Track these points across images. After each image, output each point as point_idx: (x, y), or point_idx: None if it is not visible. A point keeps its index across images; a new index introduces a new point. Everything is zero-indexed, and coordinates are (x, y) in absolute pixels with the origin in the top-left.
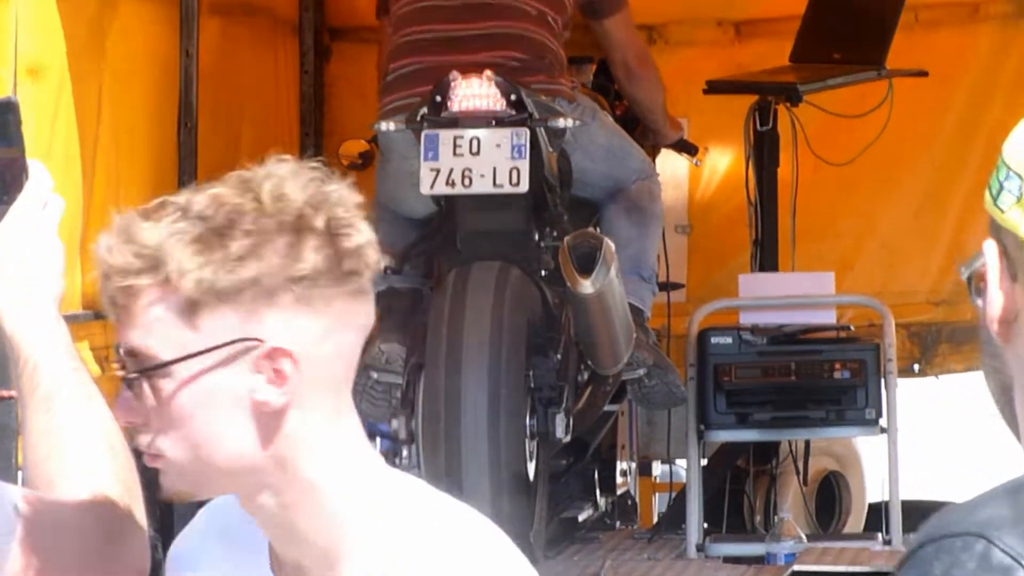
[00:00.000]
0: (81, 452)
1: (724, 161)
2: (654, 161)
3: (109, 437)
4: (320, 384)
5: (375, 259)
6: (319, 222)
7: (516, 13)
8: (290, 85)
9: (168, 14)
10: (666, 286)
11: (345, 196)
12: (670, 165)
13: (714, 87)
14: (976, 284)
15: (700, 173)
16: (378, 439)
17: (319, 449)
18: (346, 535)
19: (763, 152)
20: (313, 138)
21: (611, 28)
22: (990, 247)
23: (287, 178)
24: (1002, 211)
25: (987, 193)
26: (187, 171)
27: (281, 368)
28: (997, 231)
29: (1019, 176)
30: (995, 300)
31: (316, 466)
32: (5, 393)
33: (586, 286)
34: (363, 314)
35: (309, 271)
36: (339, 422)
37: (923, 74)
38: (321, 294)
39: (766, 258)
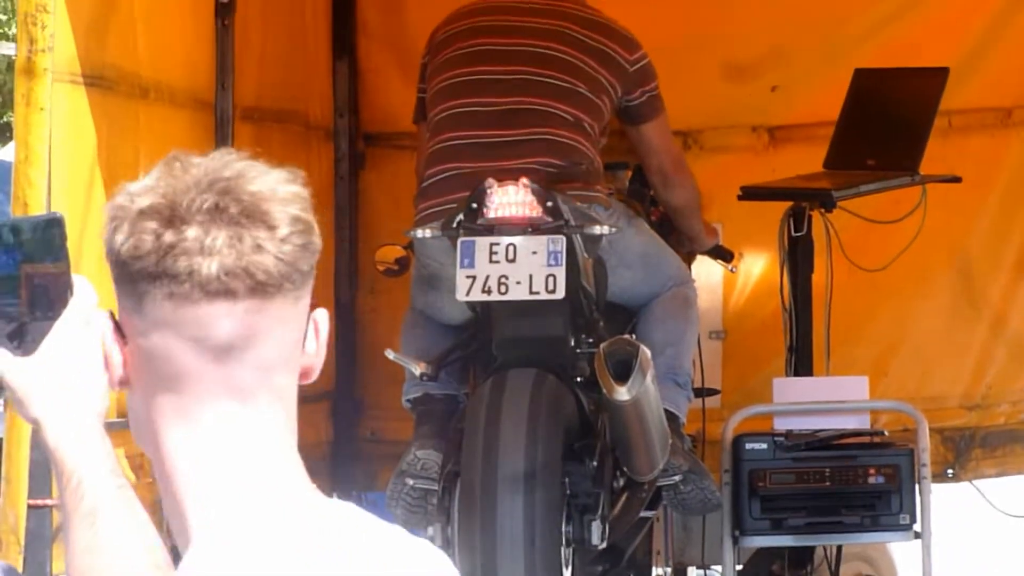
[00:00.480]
0: (124, 570)
1: (759, 267)
2: (689, 267)
3: (153, 554)
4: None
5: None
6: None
7: (552, 120)
8: (325, 191)
9: (203, 120)
10: (701, 392)
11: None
12: (705, 271)
13: (749, 193)
14: None
15: (735, 279)
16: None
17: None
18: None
19: (797, 258)
20: (348, 244)
21: (648, 134)
22: None
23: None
24: None
25: None
26: None
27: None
28: None
29: None
30: None
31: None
32: (40, 502)
33: (622, 393)
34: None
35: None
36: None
37: (957, 180)
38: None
39: (800, 363)
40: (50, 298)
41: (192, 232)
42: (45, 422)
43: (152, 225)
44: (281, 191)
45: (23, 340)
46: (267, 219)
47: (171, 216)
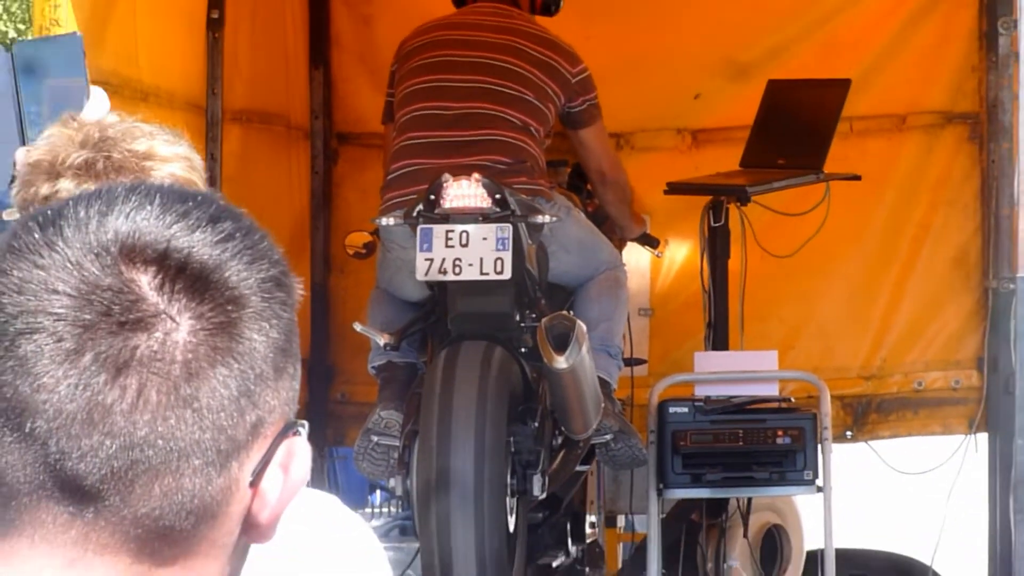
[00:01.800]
0: None
1: (682, 253)
2: (621, 252)
3: None
4: None
5: None
6: None
7: (502, 123)
8: (302, 183)
9: (195, 121)
10: (631, 362)
11: None
12: (635, 256)
13: (673, 188)
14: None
15: (661, 263)
16: (378, 492)
17: None
18: None
19: (716, 245)
20: (323, 230)
21: (587, 138)
22: None
23: None
24: None
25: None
26: None
27: None
28: None
29: None
30: None
31: None
32: None
33: (560, 362)
34: None
35: None
36: None
37: (856, 178)
38: None
39: (718, 338)
40: (71, 104)
41: (65, 184)
42: None
43: (34, 178)
44: (162, 150)
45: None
46: (140, 175)
47: (50, 169)
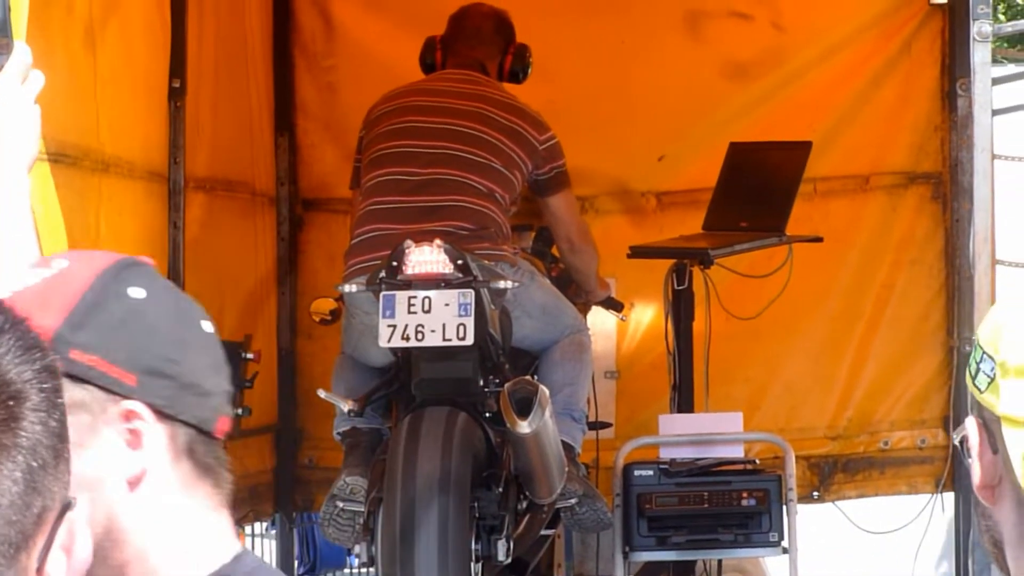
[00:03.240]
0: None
1: (647, 315)
2: (586, 316)
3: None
4: None
5: None
6: None
7: (467, 190)
8: (268, 250)
9: (157, 190)
10: (595, 425)
11: None
12: (600, 319)
13: (637, 252)
14: (964, 448)
15: (627, 326)
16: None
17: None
18: None
19: (680, 308)
20: (288, 296)
21: (555, 205)
22: (971, 423)
23: None
24: (980, 391)
25: (967, 373)
26: None
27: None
28: (977, 408)
29: (991, 358)
30: (977, 470)
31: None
32: None
33: (524, 427)
34: None
35: None
36: None
37: (818, 240)
38: None
39: (683, 400)
40: None
41: None
42: None
43: None
44: None
45: None
46: None
47: None
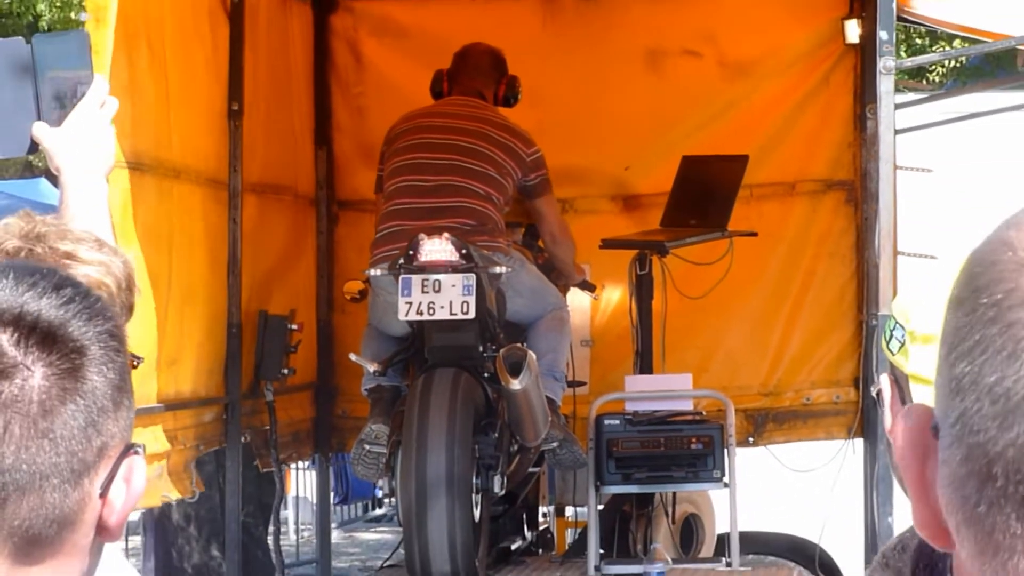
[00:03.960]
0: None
1: (615, 295)
2: (565, 296)
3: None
4: None
5: None
6: None
7: (470, 193)
8: (309, 241)
9: (218, 194)
10: (573, 384)
11: None
12: (577, 298)
13: (607, 244)
14: (879, 399)
15: (598, 304)
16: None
17: None
18: None
19: (642, 289)
20: (326, 279)
21: (540, 206)
22: (884, 379)
23: None
24: (892, 353)
25: (882, 338)
26: (234, 305)
27: None
28: (890, 367)
29: (903, 327)
30: (888, 416)
31: None
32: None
33: (515, 385)
34: None
35: None
36: None
37: (754, 234)
38: None
39: (644, 364)
40: (78, 93)
41: None
42: (63, 168)
43: None
44: (83, 254)
45: (55, 118)
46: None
47: None
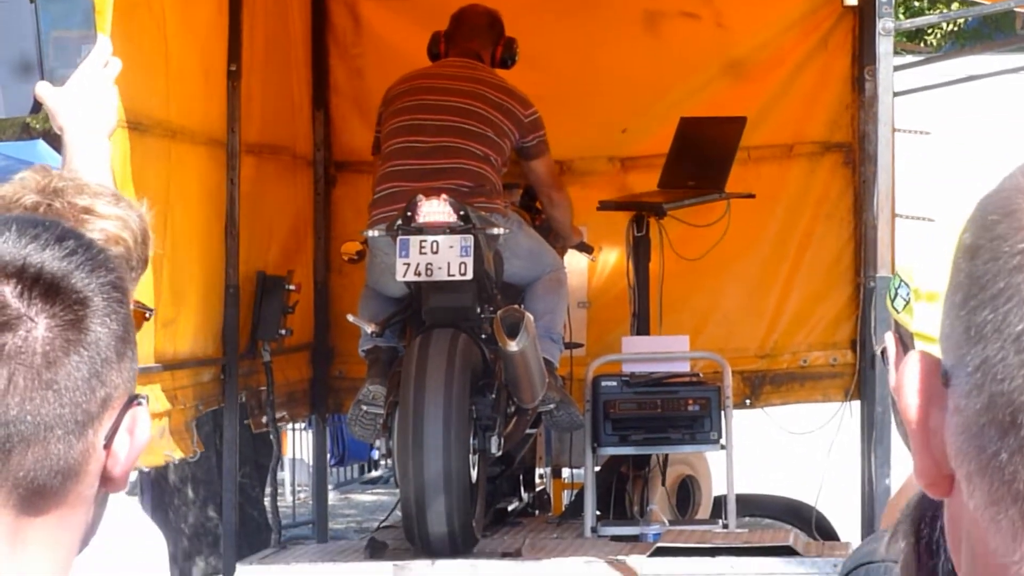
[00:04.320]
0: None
1: (612, 257)
2: (562, 257)
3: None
4: None
5: None
6: None
7: (466, 154)
8: (306, 202)
9: (217, 153)
10: (570, 345)
11: None
12: (574, 260)
13: (604, 205)
14: (884, 357)
15: (595, 266)
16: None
17: None
18: None
19: (639, 251)
20: (323, 240)
21: (537, 168)
22: (889, 337)
23: None
24: (897, 311)
25: (887, 297)
26: (231, 266)
27: None
28: (895, 325)
29: (907, 285)
30: (894, 374)
31: None
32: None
33: (512, 346)
34: None
35: None
36: None
37: (751, 196)
38: None
39: (641, 326)
40: (80, 53)
41: None
42: (66, 127)
43: None
44: (101, 208)
45: (59, 78)
46: (77, 225)
47: (6, 205)
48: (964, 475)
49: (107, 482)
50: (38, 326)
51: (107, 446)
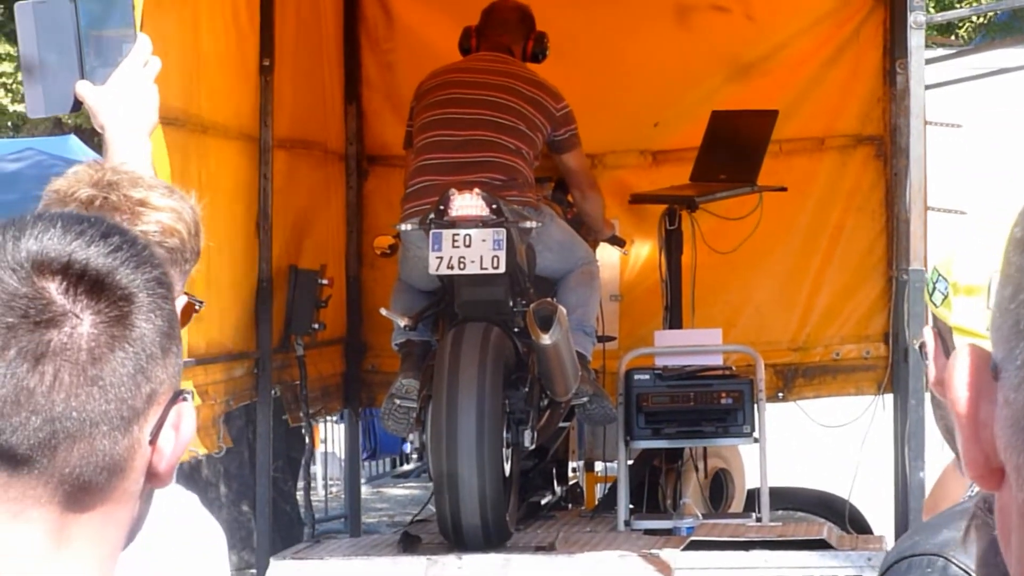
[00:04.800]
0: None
1: (644, 250)
2: (594, 250)
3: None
4: None
5: None
6: None
7: (498, 147)
8: (338, 196)
9: (250, 148)
10: (603, 338)
11: None
12: (607, 253)
13: (636, 198)
14: (923, 352)
15: (627, 259)
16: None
17: None
18: None
19: (671, 244)
20: (355, 234)
21: (568, 161)
22: (928, 331)
23: None
24: (936, 306)
25: (925, 291)
26: (264, 260)
27: None
28: (933, 319)
29: (945, 279)
30: (932, 369)
31: None
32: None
33: (545, 339)
34: None
35: None
36: None
37: (783, 189)
38: None
39: (674, 319)
40: (122, 51)
41: None
42: (107, 126)
43: (50, 203)
44: (155, 200)
45: (99, 77)
46: (132, 218)
47: (61, 199)
48: (1013, 467)
49: (152, 478)
50: (83, 322)
51: (152, 442)
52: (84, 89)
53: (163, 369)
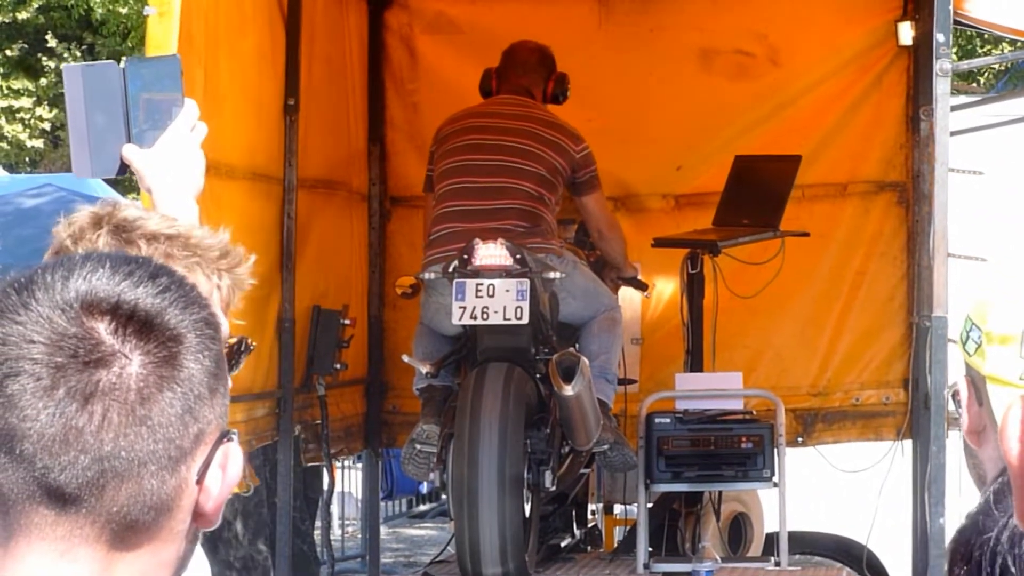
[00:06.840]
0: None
1: (666, 293)
2: (616, 294)
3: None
4: None
5: None
6: None
7: (521, 194)
8: (361, 237)
9: (274, 190)
10: (624, 382)
11: None
12: (628, 295)
13: (659, 242)
14: (956, 400)
15: (649, 302)
16: (424, 485)
17: None
18: None
19: (693, 287)
20: (378, 274)
21: (588, 203)
22: (961, 380)
23: None
24: (969, 355)
25: (959, 339)
26: (287, 299)
27: None
28: (967, 367)
29: (979, 328)
30: (966, 418)
31: None
32: None
33: (568, 390)
34: None
35: None
36: None
37: (806, 234)
38: None
39: (694, 362)
40: (171, 115)
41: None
42: (155, 189)
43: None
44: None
45: (147, 140)
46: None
47: (77, 235)
48: None
49: (199, 517)
50: (132, 362)
51: (199, 481)
52: (131, 152)
53: (210, 409)
